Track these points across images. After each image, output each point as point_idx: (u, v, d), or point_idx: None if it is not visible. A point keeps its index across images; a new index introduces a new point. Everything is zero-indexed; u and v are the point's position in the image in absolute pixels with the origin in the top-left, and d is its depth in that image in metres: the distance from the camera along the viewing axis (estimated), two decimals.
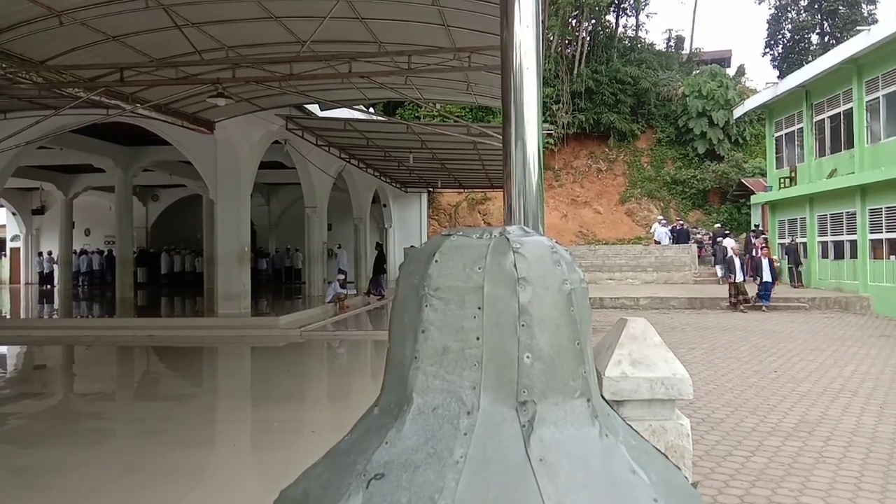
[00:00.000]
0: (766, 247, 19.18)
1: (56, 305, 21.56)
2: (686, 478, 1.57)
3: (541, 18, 2.39)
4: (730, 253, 19.16)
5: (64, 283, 26.14)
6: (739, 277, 17.94)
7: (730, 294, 18.21)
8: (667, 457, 1.50)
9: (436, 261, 1.34)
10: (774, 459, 5.58)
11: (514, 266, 1.30)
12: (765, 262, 17.81)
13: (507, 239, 1.34)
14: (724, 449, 5.87)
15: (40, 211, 31.51)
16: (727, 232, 27.27)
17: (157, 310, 19.62)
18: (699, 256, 26.95)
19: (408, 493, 1.16)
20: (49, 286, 29.36)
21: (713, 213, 32.05)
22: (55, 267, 28.72)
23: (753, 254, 19.58)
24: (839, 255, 19.89)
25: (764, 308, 17.66)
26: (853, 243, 18.95)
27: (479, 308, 1.28)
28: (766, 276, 17.81)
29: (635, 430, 1.44)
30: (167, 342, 13.56)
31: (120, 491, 5.15)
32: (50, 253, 30.29)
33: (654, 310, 18.28)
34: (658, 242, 27.63)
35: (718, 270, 25.30)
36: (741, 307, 17.71)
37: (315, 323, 15.21)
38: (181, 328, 14.55)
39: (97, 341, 13.70)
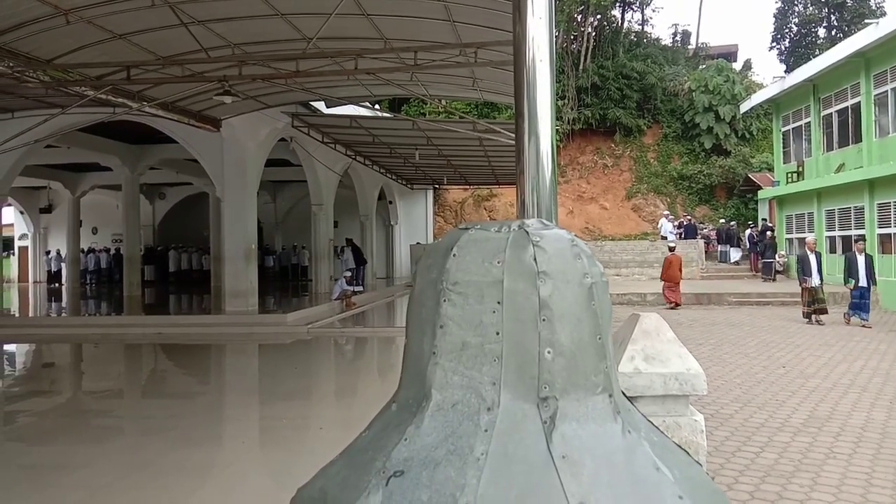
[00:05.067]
0: (861, 240, 14.94)
1: (64, 304, 21.65)
2: (708, 474, 1.55)
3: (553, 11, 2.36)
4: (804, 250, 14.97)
5: (72, 282, 26.28)
6: (816, 281, 13.99)
7: (804, 302, 14.36)
8: (688, 453, 1.48)
9: (454, 255, 1.31)
10: (784, 455, 5.55)
11: (534, 259, 1.27)
12: (860, 259, 13.58)
13: (527, 232, 1.32)
14: (733, 444, 5.84)
15: (48, 210, 31.65)
16: (732, 224, 27.69)
17: (164, 307, 19.66)
18: (706, 252, 26.90)
19: (429, 491, 1.14)
20: (57, 284, 29.48)
21: (720, 208, 31.93)
22: (63, 265, 28.84)
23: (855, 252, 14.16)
24: (847, 249, 19.75)
25: (864, 323, 13.51)
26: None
27: (499, 302, 1.26)
28: (863, 280, 13.49)
29: (656, 427, 1.42)
30: (175, 340, 13.58)
31: (129, 488, 5.16)
32: (58, 251, 30.42)
33: (660, 305, 18.23)
34: (665, 238, 27.60)
35: (734, 252, 25.96)
36: (817, 318, 13.98)
37: (322, 320, 15.22)
38: (189, 326, 14.57)
39: (105, 339, 13.74)
